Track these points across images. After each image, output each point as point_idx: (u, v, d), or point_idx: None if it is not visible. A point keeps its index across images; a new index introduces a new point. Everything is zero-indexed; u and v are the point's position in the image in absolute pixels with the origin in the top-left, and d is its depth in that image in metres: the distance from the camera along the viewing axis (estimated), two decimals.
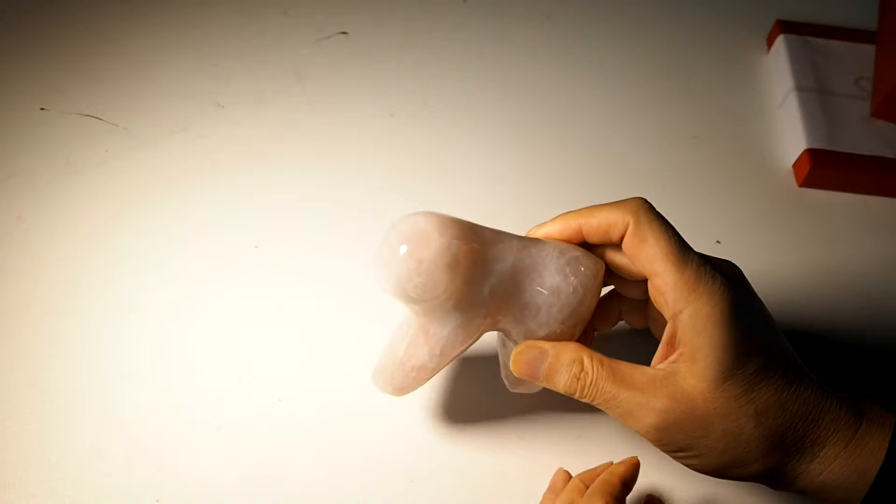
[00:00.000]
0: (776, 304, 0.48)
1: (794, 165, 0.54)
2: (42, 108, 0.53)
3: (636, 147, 0.55)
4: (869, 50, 0.58)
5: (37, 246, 0.47)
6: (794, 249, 0.50)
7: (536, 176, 0.53)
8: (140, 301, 0.45)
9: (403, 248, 0.32)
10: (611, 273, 0.37)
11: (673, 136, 0.56)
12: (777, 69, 0.59)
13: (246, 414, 0.42)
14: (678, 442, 0.32)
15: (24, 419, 0.41)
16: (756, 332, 0.32)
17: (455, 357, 0.35)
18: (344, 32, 0.59)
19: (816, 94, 0.56)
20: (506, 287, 0.34)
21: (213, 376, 0.43)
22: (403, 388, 0.36)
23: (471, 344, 0.35)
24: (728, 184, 0.53)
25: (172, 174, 0.50)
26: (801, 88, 0.56)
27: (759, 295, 0.34)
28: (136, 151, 0.51)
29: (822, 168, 0.52)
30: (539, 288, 0.34)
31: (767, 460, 0.32)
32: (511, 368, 0.35)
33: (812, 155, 0.52)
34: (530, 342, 0.35)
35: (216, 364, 0.43)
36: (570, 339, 0.35)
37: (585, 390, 0.33)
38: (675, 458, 0.33)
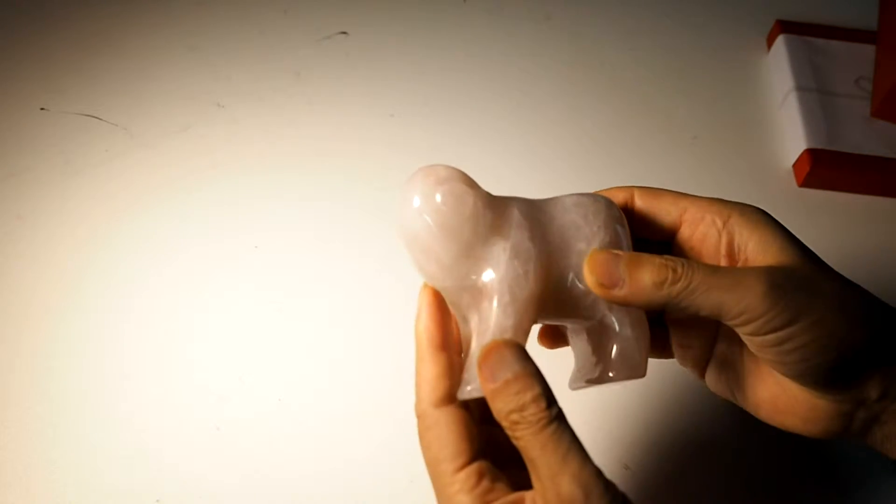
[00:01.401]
0: None
1: (794, 165, 0.54)
2: (42, 108, 0.53)
3: (636, 147, 0.55)
4: (869, 50, 0.58)
5: (37, 246, 0.47)
6: None
7: (536, 176, 0.53)
8: (140, 301, 0.45)
9: (417, 175, 0.30)
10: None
11: (673, 136, 0.56)
12: (777, 69, 0.59)
13: (246, 414, 0.42)
14: (797, 301, 0.28)
15: (24, 419, 0.41)
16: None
17: (530, 303, 0.29)
18: (344, 32, 0.59)
19: (816, 94, 0.56)
20: (530, 210, 0.31)
21: (213, 376, 0.43)
22: None
23: (538, 288, 0.29)
24: (728, 184, 0.53)
25: (172, 174, 0.50)
26: (801, 88, 0.56)
27: None
28: (136, 151, 0.51)
29: (822, 168, 0.52)
30: (562, 205, 0.31)
31: (878, 343, 0.30)
32: (586, 277, 0.30)
33: (812, 155, 0.52)
34: (597, 249, 0.30)
35: (216, 364, 0.43)
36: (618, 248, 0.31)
37: (679, 271, 0.29)
38: (783, 351, 0.29)
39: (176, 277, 0.46)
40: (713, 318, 0.30)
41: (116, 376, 0.42)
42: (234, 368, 0.43)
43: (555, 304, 0.30)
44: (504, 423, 0.27)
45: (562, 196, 0.32)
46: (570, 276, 0.30)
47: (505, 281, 0.29)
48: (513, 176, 0.52)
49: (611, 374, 0.31)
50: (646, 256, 0.30)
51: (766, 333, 0.29)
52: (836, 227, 0.52)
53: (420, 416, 0.29)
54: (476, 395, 0.29)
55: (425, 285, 0.31)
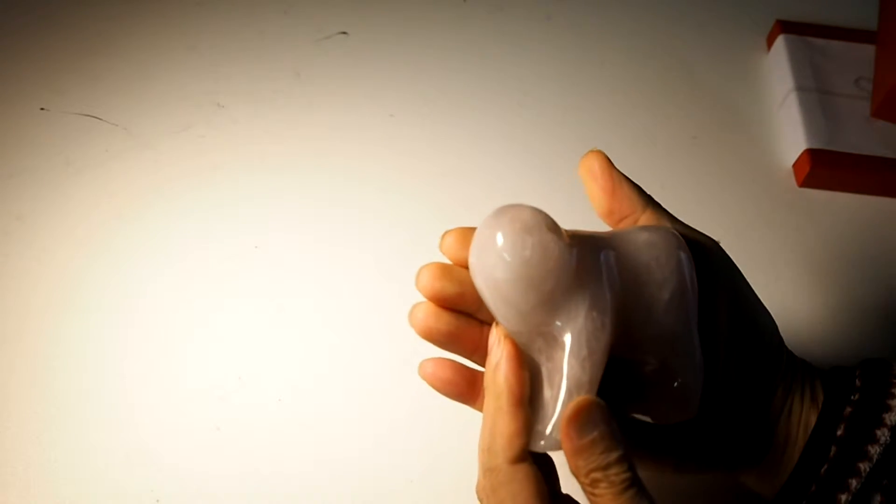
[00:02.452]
0: (776, 303, 0.48)
1: (794, 165, 0.54)
2: (42, 108, 0.53)
3: (636, 147, 0.55)
4: (869, 50, 0.58)
5: (37, 246, 0.47)
6: (794, 249, 0.50)
7: (536, 176, 0.53)
8: (140, 301, 0.45)
9: (502, 218, 0.29)
10: None
11: (673, 136, 0.56)
12: (777, 69, 0.59)
13: (246, 414, 0.42)
14: None
15: (24, 419, 0.41)
16: None
17: (604, 355, 0.29)
18: (344, 32, 0.59)
19: (816, 94, 0.56)
20: (607, 252, 0.30)
21: (213, 376, 0.43)
22: None
23: (613, 337, 0.29)
24: (728, 184, 0.53)
25: (172, 174, 0.50)
26: (801, 88, 0.56)
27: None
28: (136, 151, 0.51)
29: (822, 168, 0.52)
30: (635, 245, 0.30)
31: None
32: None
33: (812, 155, 0.52)
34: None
35: (216, 364, 0.43)
36: (693, 305, 0.30)
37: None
38: None
39: (176, 277, 0.46)
40: None
41: (116, 376, 0.42)
42: (234, 368, 0.43)
43: (621, 346, 0.30)
44: (583, 481, 0.27)
45: (632, 231, 0.31)
46: (640, 320, 0.30)
47: (583, 334, 0.28)
48: (513, 176, 0.52)
49: (668, 417, 0.31)
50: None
51: None
52: (836, 227, 0.52)
53: (493, 470, 0.29)
54: (551, 448, 0.28)
55: (504, 336, 0.30)
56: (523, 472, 0.28)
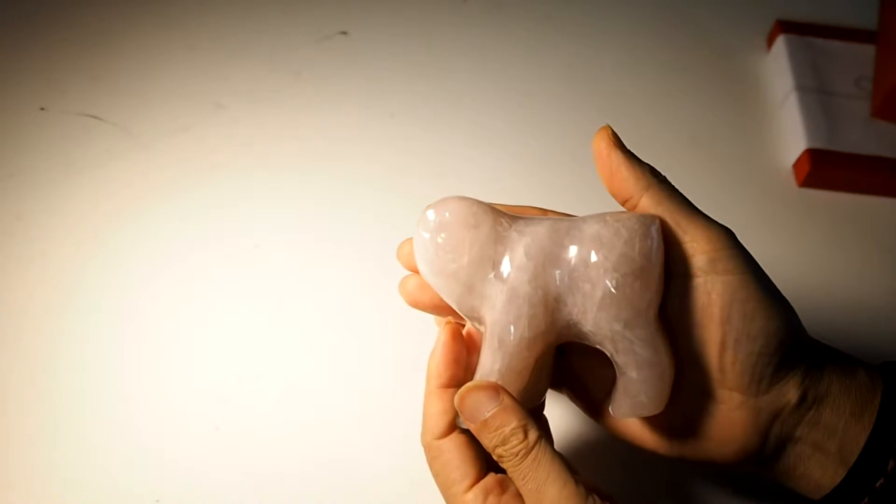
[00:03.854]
0: None
1: (794, 165, 0.54)
2: (42, 108, 0.53)
3: (636, 147, 0.54)
4: (869, 50, 0.58)
5: (37, 246, 0.47)
6: (794, 249, 0.50)
7: (536, 176, 0.53)
8: (140, 301, 0.45)
9: (426, 211, 0.31)
10: None
11: (672, 136, 0.56)
12: (777, 69, 0.59)
13: (246, 414, 0.42)
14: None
15: (24, 419, 0.41)
16: None
17: (521, 346, 0.30)
18: (344, 32, 0.59)
19: (816, 94, 0.56)
20: (542, 245, 0.30)
21: (213, 376, 0.43)
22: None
23: (535, 329, 0.29)
24: (728, 184, 0.53)
25: (172, 174, 0.50)
26: (801, 88, 0.56)
27: None
28: (136, 151, 0.51)
29: (822, 168, 0.52)
30: (580, 237, 0.30)
31: (800, 335, 0.31)
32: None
33: (812, 155, 0.52)
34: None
35: (216, 364, 0.43)
36: (636, 302, 0.29)
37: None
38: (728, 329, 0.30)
39: (176, 277, 0.46)
40: None
41: (116, 376, 0.42)
42: (233, 368, 0.43)
43: (568, 334, 0.31)
44: (494, 456, 0.30)
45: (588, 220, 0.30)
46: (577, 315, 0.30)
47: (496, 326, 0.30)
48: (512, 176, 0.52)
49: (617, 411, 0.31)
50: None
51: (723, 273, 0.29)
52: (836, 227, 0.52)
53: (425, 448, 0.32)
54: (464, 425, 0.31)
55: (447, 322, 0.32)
56: (451, 443, 0.31)
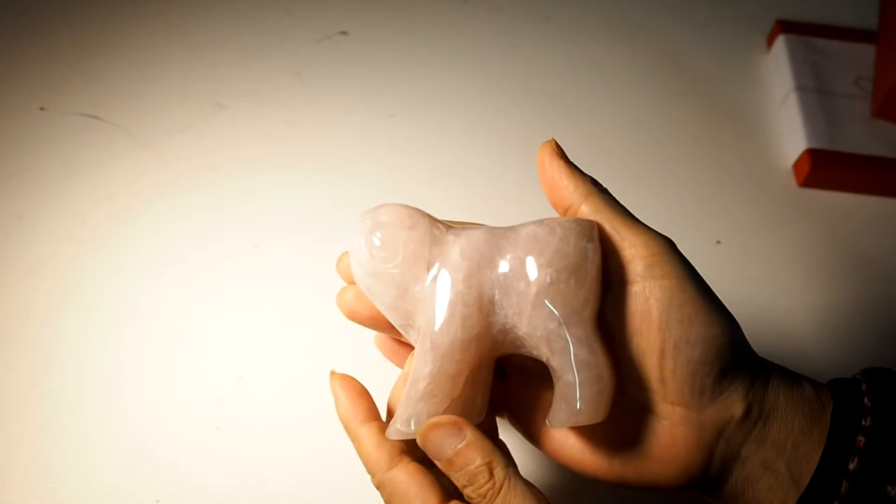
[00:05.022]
0: (775, 303, 0.48)
1: (794, 165, 0.54)
2: (42, 108, 0.53)
3: (636, 147, 0.55)
4: (869, 50, 0.58)
5: (37, 246, 0.47)
6: (794, 249, 0.50)
7: (535, 176, 0.52)
8: (140, 301, 0.45)
9: (360, 218, 0.31)
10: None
11: (673, 136, 0.56)
12: (777, 69, 0.59)
13: (246, 414, 0.42)
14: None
15: (24, 419, 0.41)
16: None
17: (458, 351, 0.29)
18: (344, 32, 0.59)
19: (816, 93, 0.56)
20: (478, 246, 0.29)
21: (213, 376, 0.43)
22: (428, 416, 0.30)
23: (468, 330, 0.29)
24: (728, 184, 0.53)
25: (172, 174, 0.50)
26: (801, 88, 0.56)
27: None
28: (136, 151, 0.51)
29: (822, 168, 0.52)
30: (515, 238, 0.29)
31: (741, 344, 0.30)
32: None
33: (812, 155, 0.52)
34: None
35: (216, 364, 0.43)
36: (571, 300, 0.28)
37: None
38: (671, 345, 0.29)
39: (176, 277, 0.46)
40: None
41: (116, 376, 0.42)
42: (234, 368, 0.43)
43: (503, 342, 0.30)
44: (465, 496, 0.29)
45: (525, 224, 0.30)
46: (513, 317, 0.29)
47: (429, 326, 0.29)
48: (512, 176, 0.52)
49: (553, 421, 0.29)
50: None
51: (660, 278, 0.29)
52: (836, 227, 0.52)
53: (379, 487, 0.30)
54: (399, 437, 0.29)
55: (332, 374, 0.32)
56: (402, 472, 0.29)
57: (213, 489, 0.39)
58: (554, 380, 0.29)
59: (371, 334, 0.45)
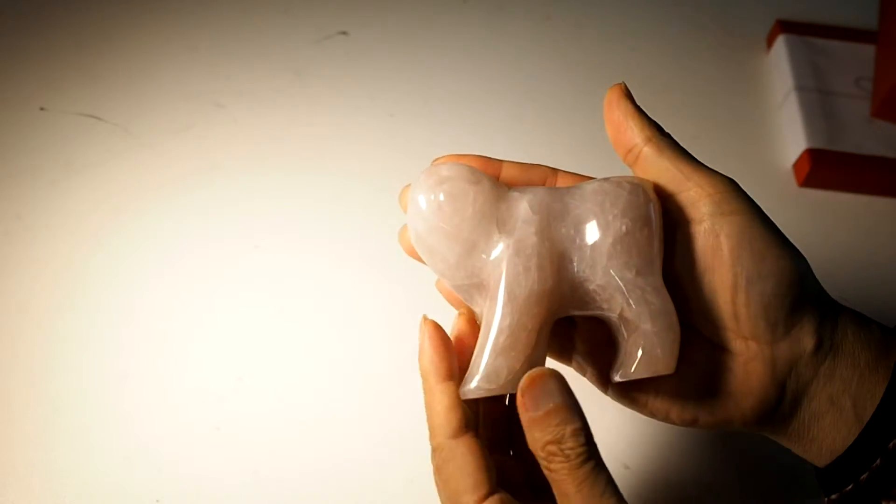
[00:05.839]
0: None
1: (795, 165, 0.54)
2: (42, 108, 0.53)
3: None
4: (869, 50, 0.58)
5: (37, 246, 0.47)
6: None
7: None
8: (140, 301, 0.45)
9: (421, 175, 0.30)
10: None
11: (673, 136, 0.56)
12: (777, 69, 0.59)
13: (246, 414, 0.42)
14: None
15: (24, 419, 0.41)
16: None
17: (533, 304, 0.29)
18: (344, 32, 0.59)
19: (817, 93, 0.56)
20: (545, 201, 0.29)
21: (213, 376, 0.43)
22: (508, 372, 0.29)
23: (543, 283, 0.29)
24: None
25: (172, 174, 0.50)
26: (801, 88, 0.56)
27: None
28: (136, 151, 0.51)
29: (822, 168, 0.52)
30: (581, 193, 0.30)
31: (811, 278, 0.30)
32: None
33: (812, 155, 0.52)
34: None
35: (216, 364, 0.43)
36: (646, 248, 0.29)
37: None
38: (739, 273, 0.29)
39: (176, 277, 0.46)
40: None
41: (116, 376, 0.42)
42: (233, 368, 0.43)
43: (571, 298, 0.30)
44: (539, 454, 0.27)
45: (585, 183, 0.30)
46: (585, 270, 0.29)
47: (505, 279, 0.29)
48: None
49: (632, 371, 0.29)
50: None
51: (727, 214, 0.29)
52: (836, 227, 0.52)
53: (437, 449, 0.29)
54: (480, 394, 0.29)
55: (424, 319, 0.30)
56: (464, 445, 0.28)
57: (213, 489, 0.39)
58: (626, 331, 0.30)
59: (371, 334, 0.45)
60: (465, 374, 0.30)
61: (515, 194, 0.30)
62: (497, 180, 0.30)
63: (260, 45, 0.57)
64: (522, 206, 0.29)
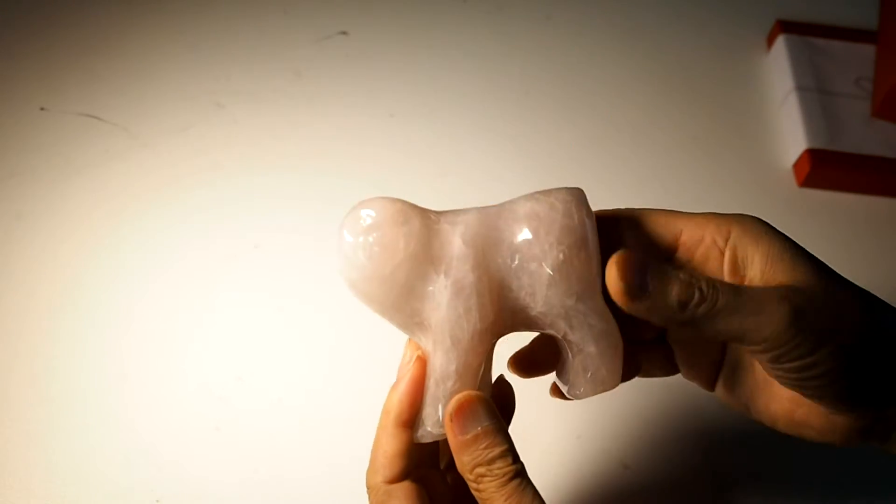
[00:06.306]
0: None
1: (794, 165, 0.54)
2: (42, 108, 0.53)
3: (636, 147, 0.55)
4: (869, 50, 0.58)
5: (37, 246, 0.47)
6: None
7: (536, 176, 0.53)
8: (140, 301, 0.45)
9: (347, 219, 0.29)
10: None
11: (673, 136, 0.56)
12: (777, 69, 0.59)
13: (246, 414, 0.42)
14: (818, 331, 0.27)
15: (24, 419, 0.41)
16: None
17: (474, 341, 0.29)
18: (344, 32, 0.59)
19: (817, 93, 0.56)
20: (478, 231, 0.29)
21: (213, 376, 0.43)
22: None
23: (485, 320, 0.29)
24: (728, 184, 0.53)
25: (172, 174, 0.50)
26: (801, 88, 0.56)
27: None
28: (136, 151, 0.51)
29: (822, 168, 0.52)
30: (514, 218, 0.29)
31: None
32: (609, 280, 0.27)
33: (812, 155, 0.52)
34: (626, 250, 0.27)
35: (216, 364, 0.43)
36: (584, 273, 0.28)
37: (705, 291, 0.27)
38: (803, 378, 0.28)
39: (176, 277, 0.46)
40: (730, 341, 0.29)
41: (116, 376, 0.42)
42: (233, 368, 0.43)
43: (513, 322, 0.29)
44: (468, 476, 0.28)
45: (517, 201, 0.30)
46: (525, 298, 0.29)
47: (446, 323, 0.28)
48: (512, 176, 0.52)
49: (581, 392, 0.30)
50: (671, 270, 0.27)
51: (786, 362, 0.27)
52: (836, 228, 0.52)
53: (371, 489, 0.30)
54: (427, 439, 0.29)
55: (418, 358, 0.30)
56: (401, 491, 0.29)
57: (213, 489, 0.39)
58: (570, 353, 0.30)
59: (371, 334, 0.45)
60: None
61: (446, 227, 0.29)
62: (425, 210, 0.29)
63: (260, 45, 0.57)
64: (455, 242, 0.29)
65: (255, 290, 0.46)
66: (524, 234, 0.29)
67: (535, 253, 0.28)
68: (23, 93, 0.53)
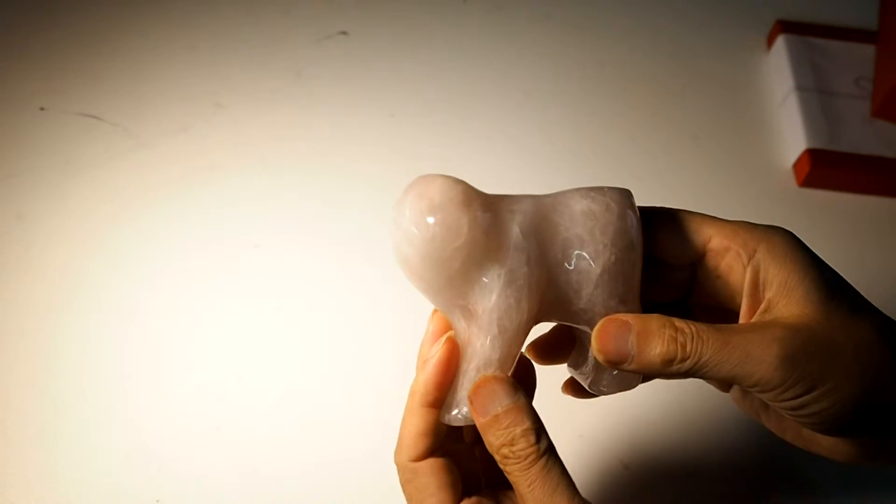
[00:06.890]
0: None
1: (795, 165, 0.54)
2: (42, 108, 0.53)
3: (636, 147, 0.55)
4: (869, 50, 0.58)
5: (37, 246, 0.47)
6: None
7: (536, 176, 0.53)
8: (140, 301, 0.45)
9: (410, 195, 0.28)
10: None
11: (673, 136, 0.56)
12: (777, 69, 0.59)
13: (246, 414, 0.42)
14: (810, 373, 0.27)
15: (24, 419, 0.41)
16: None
17: (519, 332, 0.29)
18: (344, 32, 0.59)
19: (816, 93, 0.56)
20: (534, 223, 0.29)
21: (213, 376, 0.43)
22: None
23: (531, 311, 0.29)
24: (728, 184, 0.53)
25: (172, 174, 0.50)
26: (801, 88, 0.56)
27: None
28: (136, 151, 0.51)
29: (822, 168, 0.52)
30: (570, 214, 0.29)
31: None
32: (595, 352, 0.29)
33: (812, 155, 0.52)
34: (608, 317, 0.28)
35: (216, 364, 0.43)
36: (630, 276, 0.29)
37: (689, 347, 0.27)
38: (800, 415, 0.28)
39: (176, 277, 0.46)
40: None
41: (116, 376, 0.42)
42: (233, 368, 0.43)
43: (548, 315, 0.30)
44: (496, 457, 0.28)
45: (572, 196, 0.30)
46: (569, 293, 0.29)
47: (495, 312, 0.28)
48: (513, 176, 0.52)
49: (603, 389, 0.31)
50: (655, 325, 0.28)
51: (780, 401, 0.28)
52: (836, 228, 0.52)
53: (399, 468, 0.30)
54: (459, 423, 0.29)
55: (448, 338, 0.30)
56: (428, 466, 0.29)
57: (213, 489, 0.39)
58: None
59: (371, 333, 0.45)
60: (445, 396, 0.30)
61: (506, 215, 0.29)
62: (484, 195, 0.30)
63: (260, 45, 0.57)
64: (514, 231, 0.29)
65: (256, 290, 0.46)
66: (579, 232, 0.29)
67: (588, 252, 0.29)
68: (23, 93, 0.53)
